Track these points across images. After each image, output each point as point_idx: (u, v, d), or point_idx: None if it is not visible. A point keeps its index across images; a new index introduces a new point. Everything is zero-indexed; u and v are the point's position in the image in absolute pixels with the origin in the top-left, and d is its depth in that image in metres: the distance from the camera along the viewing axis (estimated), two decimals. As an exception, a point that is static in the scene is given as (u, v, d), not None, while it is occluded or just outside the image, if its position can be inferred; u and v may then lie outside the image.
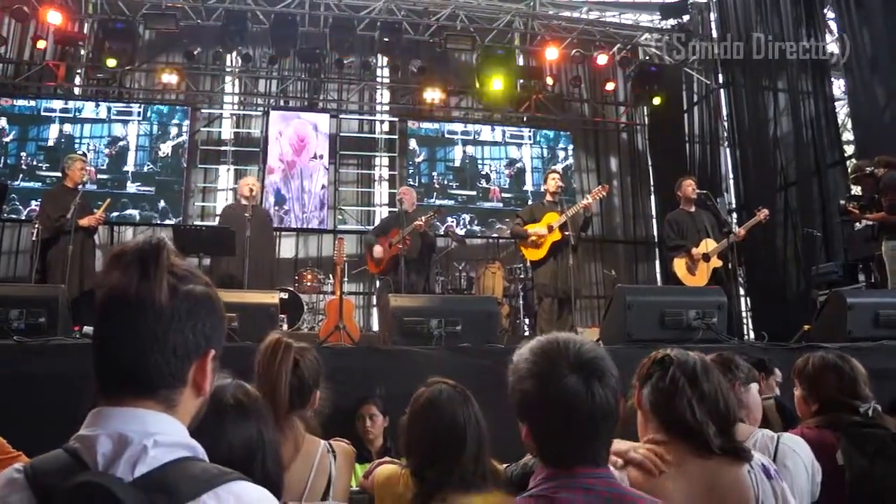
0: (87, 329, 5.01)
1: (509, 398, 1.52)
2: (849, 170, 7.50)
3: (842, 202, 7.16)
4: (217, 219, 10.52)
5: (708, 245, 6.97)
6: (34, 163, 10.25)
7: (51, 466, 1.02)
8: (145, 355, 1.06)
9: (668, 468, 1.73)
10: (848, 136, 9.83)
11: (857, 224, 7.60)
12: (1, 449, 1.96)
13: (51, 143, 10.40)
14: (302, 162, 11.19)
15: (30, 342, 3.91)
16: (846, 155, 9.17)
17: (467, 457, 2.08)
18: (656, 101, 11.87)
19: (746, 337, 9.53)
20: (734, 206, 11.12)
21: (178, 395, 1.09)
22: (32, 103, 10.50)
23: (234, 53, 11.29)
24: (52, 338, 4.03)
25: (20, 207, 9.92)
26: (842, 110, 10.08)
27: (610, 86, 12.43)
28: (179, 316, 1.08)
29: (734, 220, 9.96)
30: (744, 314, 10.51)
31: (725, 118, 11.56)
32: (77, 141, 10.48)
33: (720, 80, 11.72)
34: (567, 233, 6.78)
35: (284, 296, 6.96)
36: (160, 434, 1.03)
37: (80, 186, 6.73)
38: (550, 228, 6.88)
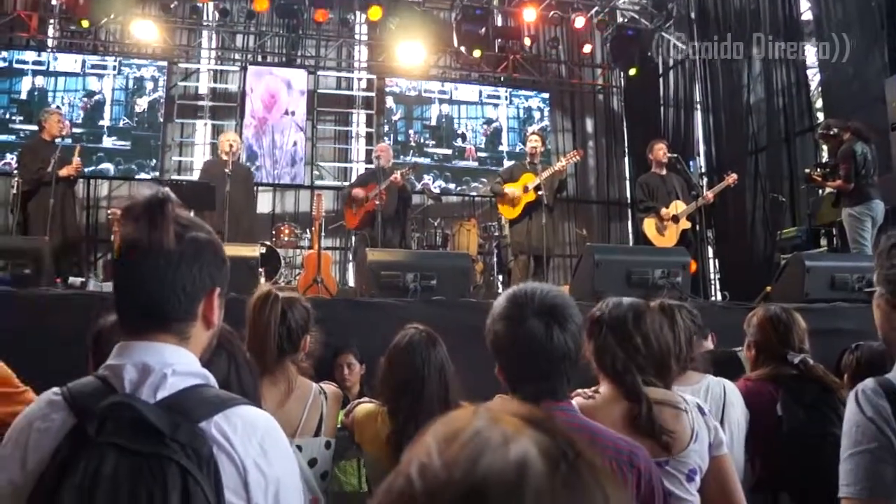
0: (73, 280, 5.09)
1: (485, 339, 1.68)
2: (819, 127, 7.68)
3: (806, 170, 7.35)
4: (195, 174, 10.62)
5: (678, 207, 7.15)
6: (7, 116, 10.12)
7: (85, 389, 1.18)
8: (159, 294, 1.21)
9: (604, 403, 1.94)
10: (822, 103, 10.01)
11: (822, 191, 7.82)
12: (10, 382, 2.08)
13: (23, 95, 10.23)
14: (273, 118, 11.19)
15: (17, 292, 4.00)
16: (816, 122, 9.36)
17: (429, 396, 2.27)
18: (632, 71, 11.96)
19: (713, 297, 9.80)
20: (705, 170, 11.32)
21: (191, 329, 1.25)
22: (4, 55, 10.31)
23: (212, 7, 11.18)
24: (39, 288, 4.13)
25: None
26: (815, 78, 10.25)
27: (587, 48, 12.46)
28: (186, 258, 1.23)
29: (704, 184, 10.15)
30: (711, 275, 10.77)
31: (700, 83, 11.70)
32: (51, 94, 10.35)
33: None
34: (541, 193, 6.95)
35: (262, 250, 7.04)
36: (177, 364, 1.19)
37: (57, 140, 6.73)
38: (526, 189, 7.05)
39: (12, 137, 9.94)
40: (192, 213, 5.31)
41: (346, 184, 10.20)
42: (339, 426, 2.61)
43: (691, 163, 10.37)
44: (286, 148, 11.20)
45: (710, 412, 2.10)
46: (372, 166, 8.07)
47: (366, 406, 2.48)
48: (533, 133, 7.82)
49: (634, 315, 2.03)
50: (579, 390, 2.00)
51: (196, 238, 1.25)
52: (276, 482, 1.17)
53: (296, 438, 2.26)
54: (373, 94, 12.03)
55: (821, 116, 9.38)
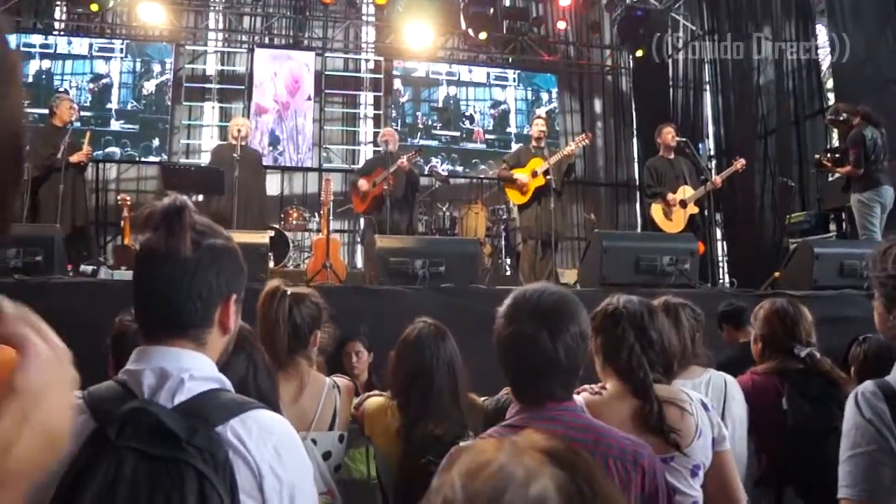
0: (84, 268, 5.13)
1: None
2: (828, 112, 7.62)
3: (816, 155, 7.31)
4: (203, 156, 10.66)
5: (685, 192, 7.12)
6: (15, 99, 10.12)
7: (106, 394, 1.21)
8: (177, 301, 1.24)
9: (611, 400, 1.97)
10: (832, 83, 9.90)
11: (831, 175, 7.78)
12: None
13: (31, 79, 10.22)
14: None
15: (29, 280, 4.04)
16: (827, 105, 9.26)
17: (438, 390, 2.31)
18: (639, 53, 11.85)
19: (721, 282, 9.78)
20: (714, 153, 11.26)
21: (207, 335, 1.28)
22: (11, 38, 10.26)
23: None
24: (51, 276, 4.16)
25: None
26: (827, 58, 10.14)
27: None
28: (203, 265, 1.25)
29: (713, 167, 10.10)
30: (720, 259, 10.74)
31: (709, 64, 11.61)
32: (58, 77, 10.37)
33: (706, 26, 11.72)
34: (549, 177, 6.94)
35: (271, 233, 7.06)
36: (194, 369, 1.22)
37: (68, 126, 6.76)
38: (534, 174, 7.04)
39: (21, 121, 9.93)
40: (201, 198, 5.33)
41: (355, 166, 10.23)
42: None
43: (700, 146, 10.32)
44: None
45: (713, 407, 2.12)
46: (379, 149, 8.07)
47: (376, 399, 2.51)
48: (538, 117, 7.79)
49: (649, 311, 2.06)
50: (586, 386, 2.02)
51: (213, 245, 1.28)
52: (290, 486, 1.20)
53: (310, 432, 2.30)
54: (380, 75, 11.98)
55: (831, 98, 9.29)
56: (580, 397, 1.93)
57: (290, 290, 2.36)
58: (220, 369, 1.30)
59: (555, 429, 1.56)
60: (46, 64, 10.34)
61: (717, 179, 7.13)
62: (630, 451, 1.58)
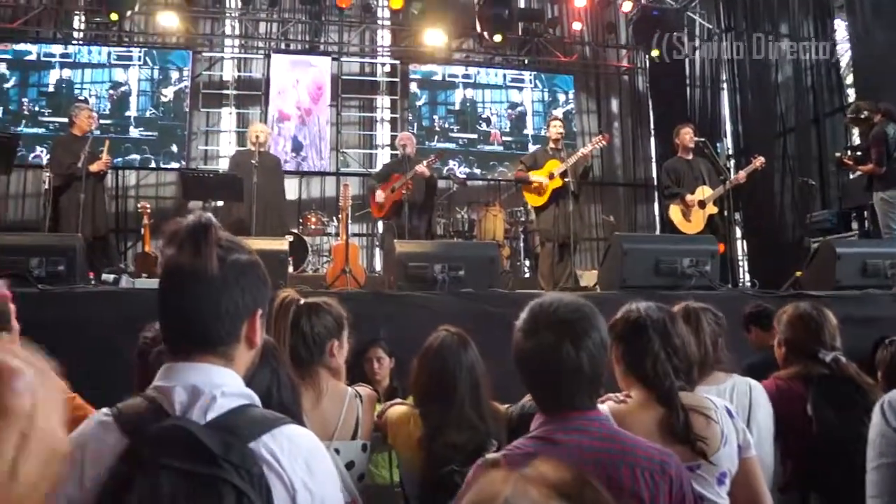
0: (106, 276, 5.17)
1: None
2: (847, 111, 7.54)
3: (837, 154, 7.23)
4: (221, 161, 10.74)
5: (704, 192, 7.07)
6: (36, 108, 10.27)
7: (136, 411, 1.20)
8: (204, 318, 1.24)
9: (637, 408, 1.96)
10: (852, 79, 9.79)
11: (852, 173, 7.69)
12: (62, 388, 2.08)
13: (51, 88, 10.39)
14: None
15: (52, 290, 4.07)
16: (846, 102, 9.16)
17: (461, 399, 2.30)
18: (654, 53, 11.72)
19: (742, 282, 9.69)
20: (732, 152, 11.17)
21: (235, 351, 1.28)
22: (32, 48, 10.46)
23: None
24: (74, 286, 4.20)
25: (25, 153, 9.78)
26: (846, 54, 10.03)
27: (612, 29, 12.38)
28: (229, 282, 1.25)
29: (732, 166, 10.02)
30: (740, 258, 10.66)
31: (726, 62, 11.52)
32: (78, 86, 10.48)
33: (722, 24, 11.65)
34: (567, 180, 6.90)
35: (290, 238, 7.09)
36: (225, 385, 1.22)
37: (88, 134, 6.83)
38: (551, 176, 7.01)
39: (42, 130, 10.09)
40: (220, 204, 5.36)
41: (372, 170, 10.26)
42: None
43: (718, 145, 10.24)
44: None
45: (737, 413, 2.10)
46: (397, 153, 8.08)
47: (398, 408, 2.51)
48: (555, 119, 7.74)
49: (671, 318, 2.04)
50: (610, 395, 2.01)
51: (238, 261, 1.28)
52: (321, 499, 1.21)
53: (333, 441, 2.29)
54: (396, 79, 12.01)
55: (852, 94, 9.18)
56: (605, 406, 1.92)
57: (303, 300, 2.35)
58: (245, 383, 1.30)
59: (581, 439, 1.56)
60: (67, 73, 10.46)
61: (741, 174, 7.06)
62: (657, 460, 1.57)
